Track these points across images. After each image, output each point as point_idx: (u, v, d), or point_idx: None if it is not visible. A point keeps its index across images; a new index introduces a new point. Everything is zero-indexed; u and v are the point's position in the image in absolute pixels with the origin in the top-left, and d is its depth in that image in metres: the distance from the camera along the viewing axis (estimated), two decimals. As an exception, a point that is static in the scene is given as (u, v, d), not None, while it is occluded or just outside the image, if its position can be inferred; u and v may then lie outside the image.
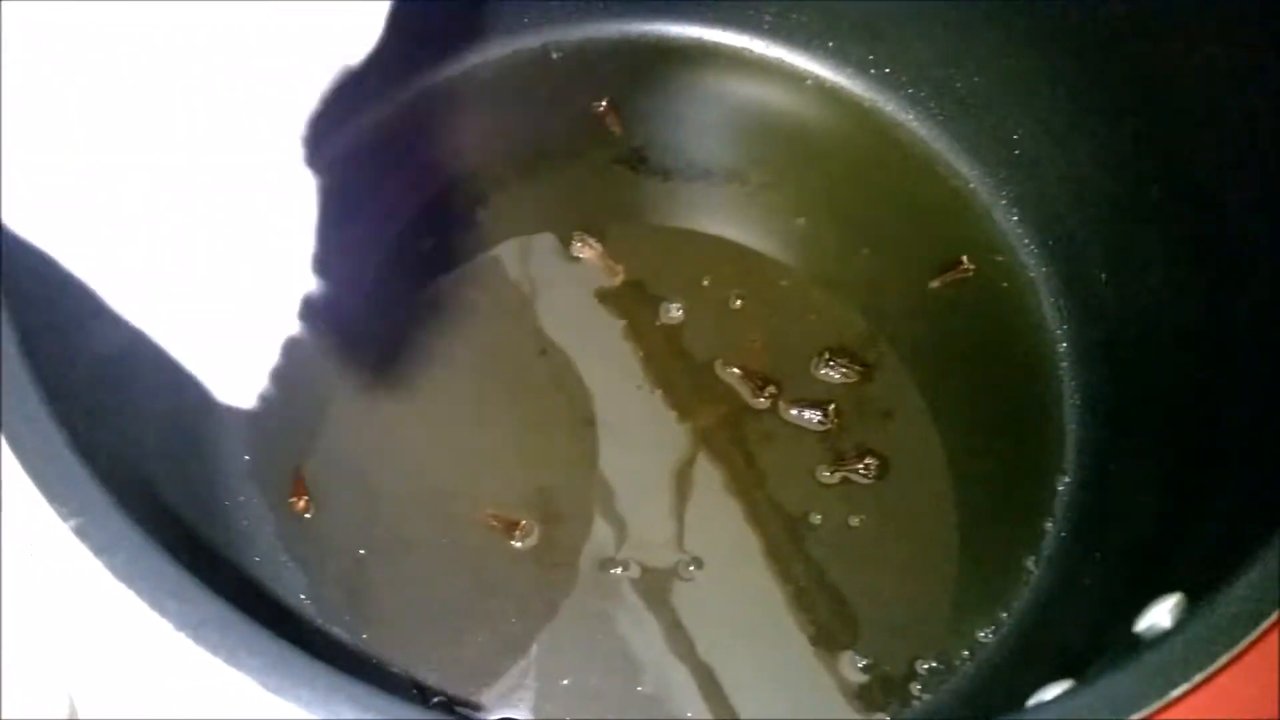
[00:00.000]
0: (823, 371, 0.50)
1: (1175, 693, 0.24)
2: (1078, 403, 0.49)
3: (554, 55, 0.57)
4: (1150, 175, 0.47)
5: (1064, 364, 0.50)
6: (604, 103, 0.56)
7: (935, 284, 0.53)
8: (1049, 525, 0.46)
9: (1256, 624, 0.25)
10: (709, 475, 0.47)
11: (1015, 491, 0.48)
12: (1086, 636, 0.34)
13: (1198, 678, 0.24)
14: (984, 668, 0.42)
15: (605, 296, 0.51)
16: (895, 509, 0.47)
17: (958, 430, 0.49)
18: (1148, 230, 0.47)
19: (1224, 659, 0.25)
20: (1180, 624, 0.27)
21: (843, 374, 0.50)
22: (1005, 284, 0.53)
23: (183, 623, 0.24)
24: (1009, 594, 0.44)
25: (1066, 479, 0.47)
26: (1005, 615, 0.44)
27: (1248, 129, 0.41)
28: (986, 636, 0.43)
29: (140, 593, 0.25)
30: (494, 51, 0.57)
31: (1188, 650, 0.26)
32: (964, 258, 0.53)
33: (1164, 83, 0.45)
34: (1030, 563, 0.45)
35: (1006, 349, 0.52)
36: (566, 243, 0.52)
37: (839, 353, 0.50)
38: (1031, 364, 0.51)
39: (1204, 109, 0.44)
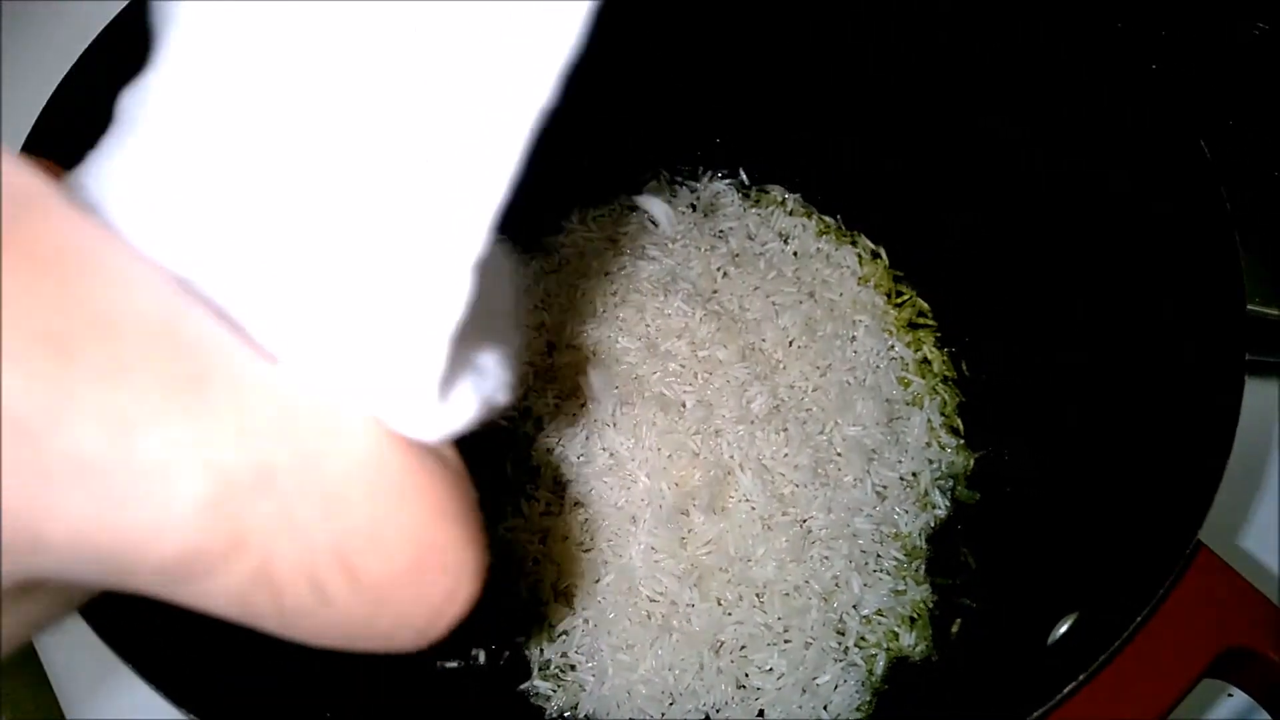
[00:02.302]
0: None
1: (1069, 687, 0.33)
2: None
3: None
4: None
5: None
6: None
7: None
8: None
9: (1123, 632, 0.34)
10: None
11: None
12: (1018, 652, 0.43)
13: (1082, 676, 0.33)
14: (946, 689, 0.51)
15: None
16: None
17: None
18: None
19: (1102, 657, 0.34)
20: (1074, 634, 0.36)
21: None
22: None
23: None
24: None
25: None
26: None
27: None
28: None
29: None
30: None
31: (1081, 653, 0.35)
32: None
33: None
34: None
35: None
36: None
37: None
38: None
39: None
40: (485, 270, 0.15)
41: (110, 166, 0.15)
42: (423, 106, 0.14)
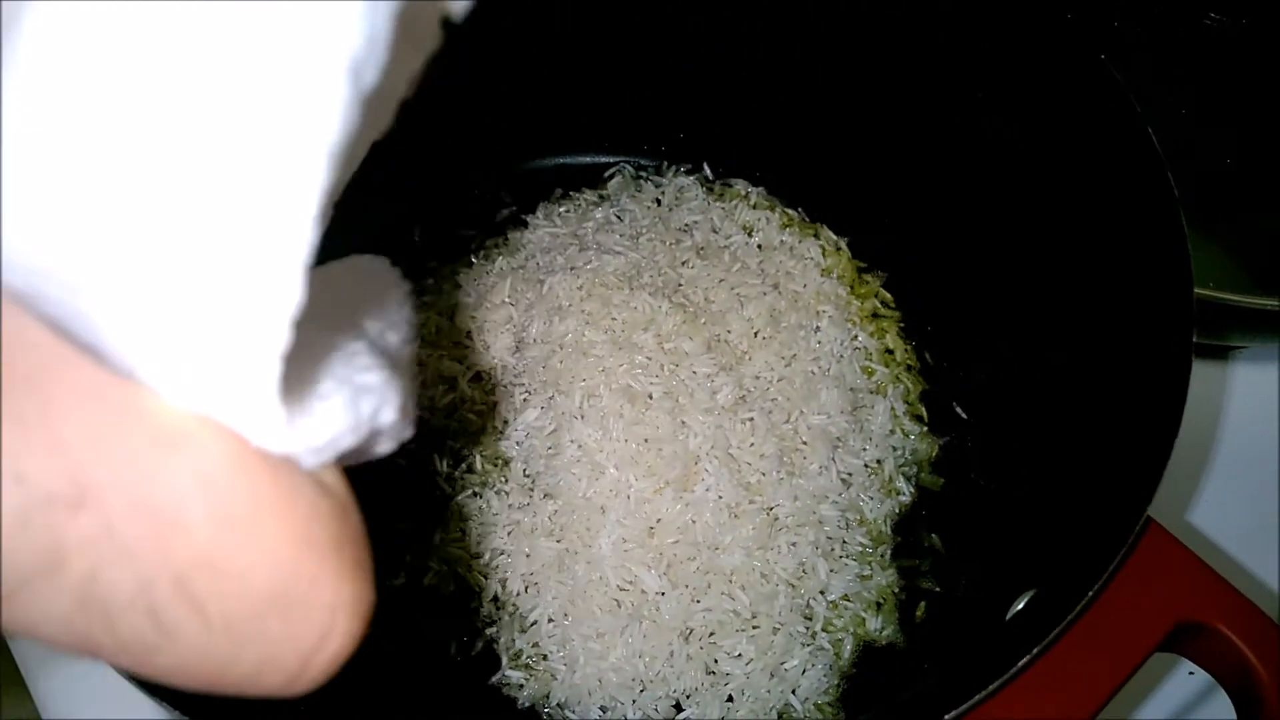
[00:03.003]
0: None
1: (1023, 660, 0.34)
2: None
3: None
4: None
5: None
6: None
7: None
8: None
9: (1076, 604, 0.35)
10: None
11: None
12: (982, 632, 0.44)
13: (1037, 649, 0.34)
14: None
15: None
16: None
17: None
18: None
19: (1057, 630, 0.35)
20: (1031, 609, 0.37)
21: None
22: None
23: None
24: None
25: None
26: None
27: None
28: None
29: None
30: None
31: (1037, 627, 0.36)
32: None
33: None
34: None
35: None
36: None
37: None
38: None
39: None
40: (368, 289, 0.15)
41: None
42: (239, 105, 0.14)
